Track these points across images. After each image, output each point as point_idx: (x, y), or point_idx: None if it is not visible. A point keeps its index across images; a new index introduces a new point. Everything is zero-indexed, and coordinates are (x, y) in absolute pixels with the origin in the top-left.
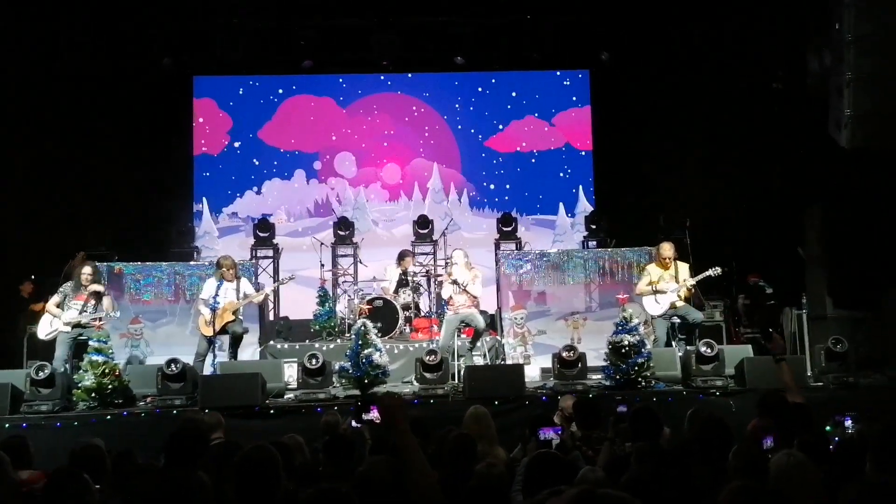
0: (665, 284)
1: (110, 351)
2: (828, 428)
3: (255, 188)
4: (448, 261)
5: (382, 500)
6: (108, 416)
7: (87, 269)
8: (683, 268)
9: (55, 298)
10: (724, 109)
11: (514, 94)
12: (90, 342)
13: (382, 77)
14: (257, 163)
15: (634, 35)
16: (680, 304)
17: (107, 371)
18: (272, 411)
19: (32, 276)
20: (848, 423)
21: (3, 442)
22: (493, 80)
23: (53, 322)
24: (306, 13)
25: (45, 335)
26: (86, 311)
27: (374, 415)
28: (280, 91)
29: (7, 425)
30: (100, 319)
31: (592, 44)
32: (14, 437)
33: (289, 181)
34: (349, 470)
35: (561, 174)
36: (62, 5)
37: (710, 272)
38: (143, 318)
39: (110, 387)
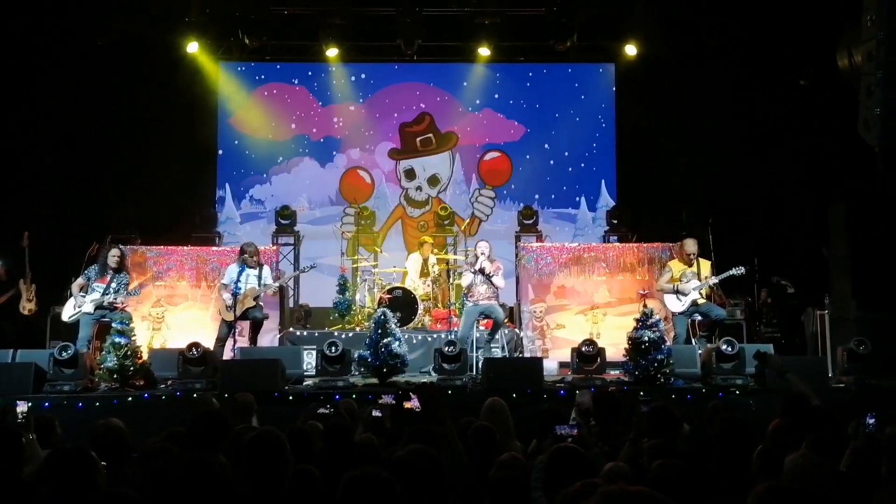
0: (685, 285)
1: (133, 333)
2: (849, 430)
3: (278, 174)
4: (470, 252)
5: (417, 486)
6: (130, 398)
7: (114, 252)
8: (705, 265)
9: (79, 281)
10: (750, 105)
11: (538, 86)
12: (113, 324)
13: (406, 67)
14: (274, 150)
15: (660, 29)
16: (701, 301)
17: (129, 353)
18: (291, 398)
19: (2, 264)
20: (870, 421)
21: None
22: (517, 72)
23: (77, 304)
24: (332, 0)
25: (68, 317)
26: (108, 294)
27: (414, 403)
28: (297, 79)
29: (30, 404)
30: (122, 302)
31: (618, 37)
32: (42, 417)
33: (310, 169)
34: (346, 457)
35: (583, 168)
36: None
37: (733, 271)
38: (165, 302)
39: (132, 368)
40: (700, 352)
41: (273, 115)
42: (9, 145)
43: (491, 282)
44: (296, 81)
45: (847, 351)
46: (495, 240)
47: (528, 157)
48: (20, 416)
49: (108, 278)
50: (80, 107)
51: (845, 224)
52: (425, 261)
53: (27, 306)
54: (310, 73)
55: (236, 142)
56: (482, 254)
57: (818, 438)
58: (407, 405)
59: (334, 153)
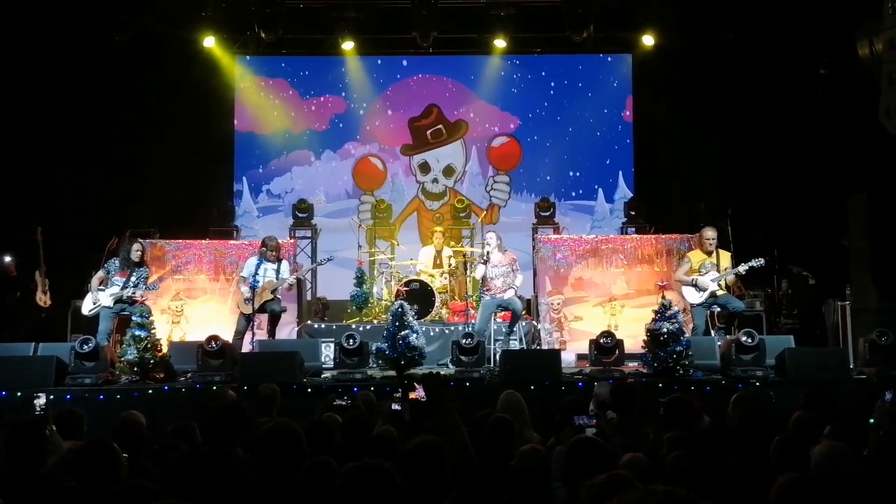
0: (703, 277)
1: (152, 326)
2: (871, 420)
3: (295, 168)
4: (482, 244)
5: (427, 478)
6: (150, 391)
7: (135, 246)
8: (725, 257)
9: (99, 274)
10: (769, 95)
11: (555, 77)
12: (133, 318)
13: (421, 59)
14: (290, 144)
15: (677, 18)
16: (720, 292)
17: (149, 346)
18: (310, 390)
19: (7, 258)
20: (888, 396)
21: (58, 413)
22: (533, 64)
23: (95, 298)
24: None
25: (88, 311)
26: (127, 288)
27: (419, 393)
28: (314, 73)
29: (52, 397)
30: (141, 296)
31: (635, 27)
32: (69, 410)
33: (327, 162)
34: (364, 449)
35: (600, 159)
36: None
37: (753, 263)
38: (184, 296)
39: (152, 361)
40: (719, 343)
41: (290, 108)
42: (26, 141)
43: (511, 273)
44: (312, 75)
45: (868, 342)
46: (512, 232)
47: (544, 148)
48: (38, 409)
49: (128, 272)
50: (98, 102)
51: (866, 214)
52: (439, 252)
53: (43, 298)
54: (326, 67)
55: (253, 135)
56: (488, 244)
57: (839, 428)
58: (412, 395)
59: (351, 146)
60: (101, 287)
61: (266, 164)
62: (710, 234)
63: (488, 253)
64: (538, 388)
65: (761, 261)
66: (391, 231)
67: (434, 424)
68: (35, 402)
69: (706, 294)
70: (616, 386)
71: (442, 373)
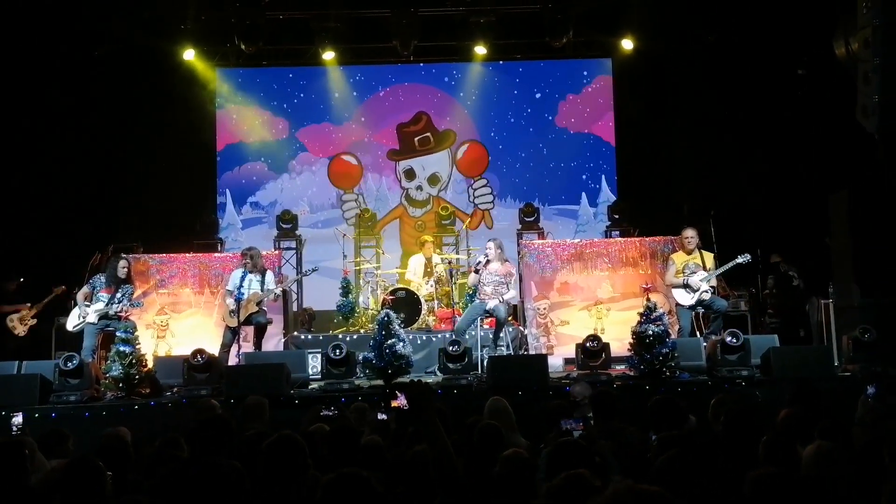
0: (692, 277)
1: (137, 342)
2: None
3: (278, 179)
4: (467, 250)
5: (419, 487)
6: (136, 406)
7: (122, 263)
8: (709, 257)
9: (84, 290)
10: (749, 96)
11: (535, 83)
12: (117, 333)
13: (403, 68)
14: (273, 154)
15: (656, 22)
16: (706, 293)
17: (134, 361)
18: (297, 401)
19: (21, 279)
20: (871, 391)
21: (42, 434)
22: (514, 70)
23: (81, 313)
24: (327, 4)
25: (72, 327)
26: (112, 304)
27: (401, 401)
28: (295, 83)
29: (37, 415)
30: (125, 311)
31: (614, 31)
32: (54, 430)
33: (311, 172)
34: (352, 459)
35: (583, 164)
36: None
37: (738, 259)
38: (169, 310)
39: (137, 377)
40: (705, 344)
41: (271, 119)
42: (8, 156)
43: (503, 285)
44: (293, 86)
45: (852, 339)
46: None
47: (527, 153)
48: (15, 428)
49: (114, 289)
50: (78, 117)
51: (847, 212)
52: (429, 260)
53: (18, 327)
54: (307, 78)
55: (235, 147)
56: (487, 251)
57: (827, 427)
58: (394, 403)
59: (334, 156)
60: (86, 303)
61: (249, 176)
62: (689, 233)
63: (487, 261)
64: (526, 393)
65: (747, 256)
66: (377, 240)
67: (415, 431)
68: (12, 421)
69: (697, 294)
70: (594, 392)
71: (429, 381)
